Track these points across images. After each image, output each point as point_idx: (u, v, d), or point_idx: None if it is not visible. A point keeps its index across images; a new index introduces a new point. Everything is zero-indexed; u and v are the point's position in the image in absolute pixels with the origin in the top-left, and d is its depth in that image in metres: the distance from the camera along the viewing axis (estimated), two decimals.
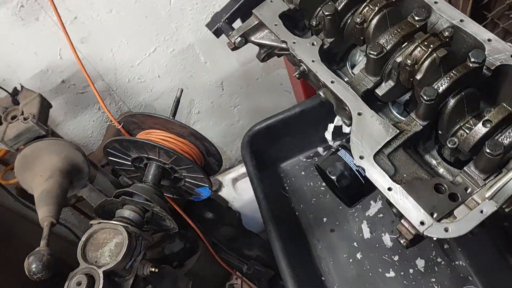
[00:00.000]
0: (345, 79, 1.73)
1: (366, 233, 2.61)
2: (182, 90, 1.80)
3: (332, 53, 1.70)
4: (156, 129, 1.65)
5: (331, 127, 1.79)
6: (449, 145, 1.33)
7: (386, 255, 2.49)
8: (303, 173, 3.03)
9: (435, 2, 1.50)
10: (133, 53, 2.37)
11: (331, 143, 1.97)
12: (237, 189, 2.95)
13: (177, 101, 1.77)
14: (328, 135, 1.84)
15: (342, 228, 2.66)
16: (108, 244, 1.44)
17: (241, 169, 2.98)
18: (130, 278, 1.48)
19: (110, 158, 1.73)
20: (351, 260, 2.52)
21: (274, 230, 2.39)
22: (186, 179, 1.71)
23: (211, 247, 2.96)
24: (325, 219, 2.74)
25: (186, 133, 1.62)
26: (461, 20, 1.45)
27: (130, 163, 1.73)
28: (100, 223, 1.48)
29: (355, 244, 2.58)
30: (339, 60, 1.76)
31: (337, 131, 1.94)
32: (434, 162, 1.47)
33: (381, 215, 2.61)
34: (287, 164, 3.08)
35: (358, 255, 2.53)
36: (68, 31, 2.11)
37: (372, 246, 2.54)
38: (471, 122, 1.33)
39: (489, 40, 1.39)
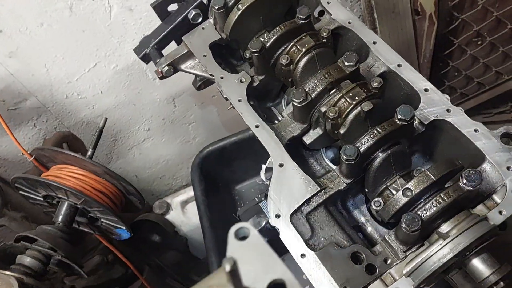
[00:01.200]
0: (279, 118, 1.60)
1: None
2: (106, 119, 1.65)
3: (266, 90, 1.56)
4: (70, 165, 1.49)
5: (263, 168, 1.65)
6: (373, 206, 1.21)
7: None
8: (259, 195, 2.89)
9: (374, 43, 1.37)
10: (71, 69, 2.20)
11: (267, 183, 1.83)
12: (186, 212, 2.80)
13: (100, 132, 1.62)
14: (263, 175, 1.70)
15: (292, 259, 2.54)
16: None
17: (192, 191, 2.83)
18: None
19: (21, 193, 1.57)
20: None
21: (216, 262, 2.26)
22: (102, 220, 1.56)
23: (158, 271, 2.82)
24: None
25: (100, 171, 1.47)
26: (398, 65, 1.32)
27: (42, 199, 1.57)
28: None
29: (304, 277, 2.45)
30: (275, 97, 1.62)
31: (271, 172, 1.79)
32: (362, 219, 1.35)
33: None
34: (242, 187, 2.94)
35: None
36: None
37: None
38: (398, 182, 1.20)
39: (426, 90, 1.27)
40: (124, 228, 1.54)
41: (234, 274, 0.56)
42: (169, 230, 2.68)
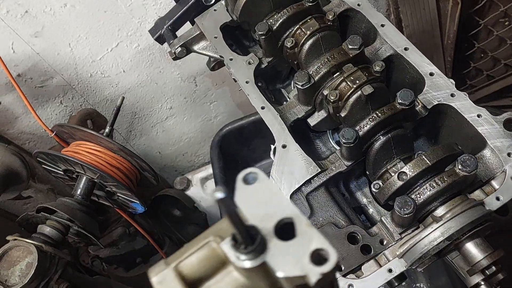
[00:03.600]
0: (288, 100, 1.62)
1: None
2: (123, 98, 1.73)
3: (275, 71, 1.58)
4: (87, 141, 1.58)
5: (272, 148, 1.68)
6: (373, 189, 1.23)
7: None
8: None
9: (382, 25, 1.36)
10: (94, 48, 2.28)
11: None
12: (206, 188, 2.89)
13: (117, 110, 1.70)
14: (272, 155, 1.73)
15: None
16: (20, 263, 1.41)
17: (211, 169, 2.90)
18: None
19: (44, 166, 1.67)
20: None
21: None
22: (118, 194, 1.65)
23: (178, 245, 2.94)
24: None
25: (115, 148, 1.55)
26: (405, 48, 1.31)
27: (63, 173, 1.67)
28: (15, 239, 1.44)
29: None
30: (285, 78, 1.64)
31: None
32: (365, 200, 1.37)
33: None
34: (261, 165, 2.98)
35: None
36: (20, 25, 2.05)
37: None
38: (398, 165, 1.21)
39: (431, 74, 1.26)
40: (138, 202, 1.62)
41: (227, 203, 0.55)
42: (189, 205, 2.77)
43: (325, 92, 1.24)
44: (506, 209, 1.19)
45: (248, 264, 0.56)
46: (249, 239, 0.56)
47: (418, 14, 2.44)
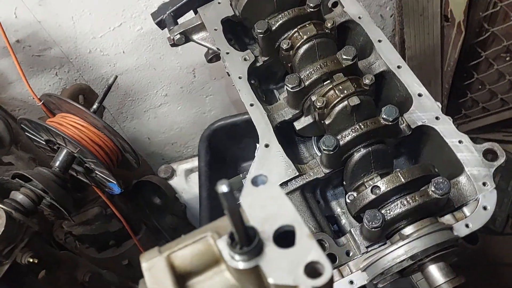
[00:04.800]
0: (279, 101, 1.62)
1: None
2: (116, 77, 1.73)
3: (270, 71, 1.59)
4: (72, 115, 1.57)
5: (258, 147, 1.69)
6: (347, 199, 1.23)
7: None
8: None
9: (379, 41, 1.37)
10: (96, 25, 2.27)
11: None
12: (189, 181, 2.88)
13: (108, 88, 1.70)
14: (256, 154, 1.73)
15: None
16: None
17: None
18: (6, 264, 1.43)
19: (27, 134, 1.67)
20: None
21: None
22: (96, 172, 1.64)
23: (154, 232, 2.93)
24: None
25: (99, 125, 1.54)
26: (398, 66, 1.32)
27: (45, 143, 1.66)
28: None
29: None
30: (279, 79, 1.64)
31: None
32: (339, 210, 1.38)
33: None
34: (249, 165, 2.96)
35: None
36: None
37: None
38: (375, 180, 1.22)
39: (419, 94, 1.27)
40: (115, 182, 1.62)
41: (229, 199, 0.54)
42: (170, 195, 2.76)
43: (313, 98, 1.25)
44: (476, 238, 1.20)
45: (241, 265, 0.56)
46: (247, 240, 0.56)
47: (422, 37, 2.46)
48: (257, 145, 1.73)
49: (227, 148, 2.84)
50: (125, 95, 2.75)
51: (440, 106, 1.24)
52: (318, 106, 1.19)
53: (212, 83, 2.91)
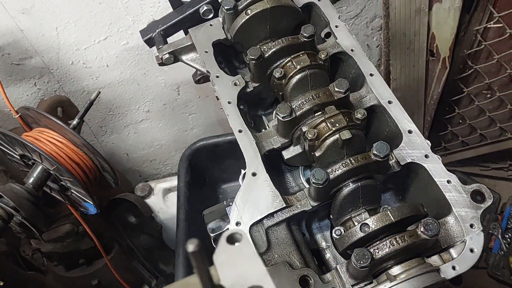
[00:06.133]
0: (267, 128, 1.60)
1: None
2: (99, 93, 1.66)
3: (260, 97, 1.56)
4: (51, 130, 1.50)
5: (242, 173, 1.65)
6: (334, 234, 1.20)
7: None
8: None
9: (371, 75, 1.37)
10: (81, 37, 2.21)
11: None
12: (167, 200, 2.81)
13: (90, 104, 1.64)
14: (240, 180, 1.70)
15: None
16: None
17: (176, 181, 2.83)
18: None
19: (0, 147, 1.58)
20: None
21: (182, 254, 2.26)
22: (72, 190, 1.57)
23: (127, 252, 2.83)
24: None
25: (79, 142, 1.48)
26: (389, 102, 1.32)
27: (19, 158, 1.58)
28: None
29: None
30: (268, 106, 1.62)
31: None
32: (324, 244, 1.35)
33: None
34: (229, 187, 2.93)
35: None
36: None
37: None
38: (363, 215, 1.20)
39: (409, 131, 1.26)
40: (91, 203, 1.55)
41: (198, 258, 0.55)
42: (146, 214, 2.68)
43: (304, 129, 1.23)
44: (460, 279, 1.18)
45: None
46: None
47: (407, 70, 2.50)
48: (242, 170, 1.70)
49: (207, 169, 2.80)
50: (105, 109, 2.68)
51: (430, 144, 1.24)
52: (309, 138, 1.17)
53: (196, 101, 2.87)
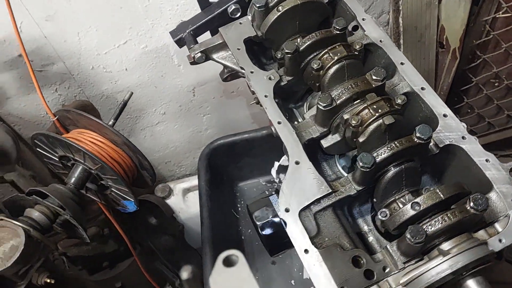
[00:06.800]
0: (299, 120, 1.65)
1: (306, 274, 2.52)
2: (131, 94, 1.70)
3: (291, 91, 1.62)
4: (91, 131, 1.54)
5: (276, 165, 1.70)
6: (380, 216, 1.25)
7: None
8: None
9: (401, 63, 1.43)
10: (102, 41, 2.26)
11: (276, 180, 1.89)
12: (187, 200, 2.85)
13: (124, 104, 1.68)
14: (274, 172, 1.75)
15: (284, 263, 2.57)
16: (4, 244, 1.34)
17: (196, 180, 2.87)
18: (21, 285, 1.37)
19: (38, 150, 1.62)
20: None
21: (209, 253, 2.29)
22: (112, 189, 1.60)
23: (149, 254, 2.86)
24: None
25: (119, 141, 1.52)
26: (422, 88, 1.38)
27: (57, 160, 1.61)
28: (2, 219, 1.37)
29: (292, 282, 2.49)
30: (298, 99, 1.67)
31: (283, 170, 1.85)
32: (366, 228, 1.40)
33: None
34: (245, 185, 2.98)
35: None
36: (34, 6, 2.01)
37: None
38: (406, 197, 1.25)
39: (444, 115, 1.32)
40: (132, 200, 1.58)
41: (193, 285, 0.53)
42: (168, 214, 2.72)
43: (346, 116, 1.28)
44: (501, 254, 1.24)
45: None
46: None
47: (418, 62, 2.57)
48: (276, 162, 1.75)
49: (224, 167, 2.84)
50: (123, 112, 2.70)
51: (465, 126, 1.30)
52: (353, 124, 1.22)
53: (211, 102, 2.92)
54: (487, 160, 1.23)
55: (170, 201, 2.81)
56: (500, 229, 1.15)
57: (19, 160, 1.88)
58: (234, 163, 2.84)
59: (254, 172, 2.93)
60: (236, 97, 2.92)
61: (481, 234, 1.15)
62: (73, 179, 1.55)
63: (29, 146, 1.89)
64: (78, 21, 2.14)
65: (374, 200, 1.31)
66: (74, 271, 2.65)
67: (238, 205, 2.93)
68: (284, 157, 1.83)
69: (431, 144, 1.29)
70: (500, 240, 1.12)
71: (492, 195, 1.19)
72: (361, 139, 1.25)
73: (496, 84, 2.67)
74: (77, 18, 2.12)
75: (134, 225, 2.77)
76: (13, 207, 1.50)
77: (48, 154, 1.62)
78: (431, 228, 1.08)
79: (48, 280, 1.40)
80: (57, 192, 1.46)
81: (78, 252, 2.45)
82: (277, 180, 1.88)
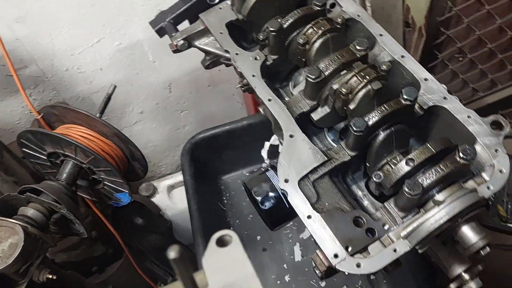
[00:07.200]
0: (286, 99, 1.69)
1: (298, 256, 2.58)
2: (115, 87, 1.70)
3: (276, 71, 1.66)
4: (78, 125, 1.53)
5: (267, 145, 1.74)
6: (374, 178, 1.31)
7: (314, 280, 2.46)
8: (243, 188, 2.97)
9: (380, 35, 1.50)
10: (75, 41, 2.23)
11: (266, 161, 1.93)
12: (172, 197, 2.84)
13: (108, 98, 1.67)
14: (264, 153, 1.78)
15: (274, 249, 2.61)
16: (2, 243, 1.31)
17: (179, 177, 2.87)
18: (23, 283, 1.34)
19: (24, 149, 1.59)
20: (278, 282, 2.47)
21: (202, 244, 2.31)
22: (105, 182, 1.59)
23: (138, 254, 2.83)
24: (259, 237, 2.69)
25: (109, 133, 1.51)
26: (402, 56, 1.45)
27: (45, 158, 1.59)
28: None
29: (285, 266, 2.53)
30: (283, 79, 1.72)
31: (273, 150, 1.90)
32: (360, 193, 1.45)
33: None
34: (229, 177, 3.01)
35: (287, 277, 2.49)
36: (2, 7, 1.96)
37: (301, 270, 2.51)
38: (397, 158, 1.31)
39: (425, 79, 1.40)
40: (127, 192, 1.58)
41: (181, 265, 0.53)
42: (154, 212, 2.70)
43: (335, 86, 1.33)
44: (488, 204, 1.32)
45: None
46: None
47: None
48: (266, 143, 1.78)
49: (207, 161, 2.86)
50: None
51: (446, 88, 1.38)
52: (344, 93, 1.28)
53: (187, 97, 2.93)
54: (468, 116, 1.31)
55: (156, 199, 2.80)
56: (487, 178, 1.23)
57: (2, 166, 1.83)
58: (216, 157, 2.86)
59: (237, 164, 2.96)
60: (213, 90, 2.94)
61: (470, 183, 1.22)
62: (64, 175, 1.53)
63: (9, 151, 1.84)
64: (50, 21, 2.10)
65: (367, 164, 1.37)
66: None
67: (224, 198, 2.95)
68: (273, 137, 1.87)
69: (416, 107, 1.36)
70: (488, 187, 1.20)
71: (477, 147, 1.27)
72: (351, 106, 1.30)
73: (460, 59, 2.80)
74: (49, 18, 2.09)
75: (121, 226, 2.73)
76: (5, 207, 1.46)
77: (35, 154, 1.59)
78: (425, 181, 1.15)
79: (50, 276, 1.38)
80: (50, 188, 1.44)
81: (67, 258, 2.40)
82: (267, 161, 1.92)
